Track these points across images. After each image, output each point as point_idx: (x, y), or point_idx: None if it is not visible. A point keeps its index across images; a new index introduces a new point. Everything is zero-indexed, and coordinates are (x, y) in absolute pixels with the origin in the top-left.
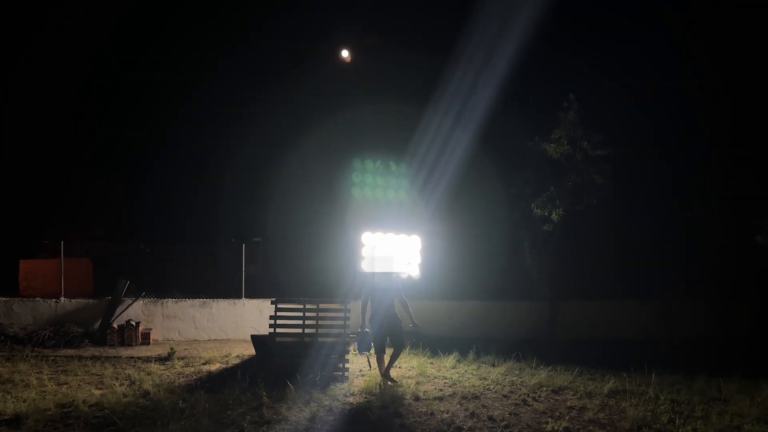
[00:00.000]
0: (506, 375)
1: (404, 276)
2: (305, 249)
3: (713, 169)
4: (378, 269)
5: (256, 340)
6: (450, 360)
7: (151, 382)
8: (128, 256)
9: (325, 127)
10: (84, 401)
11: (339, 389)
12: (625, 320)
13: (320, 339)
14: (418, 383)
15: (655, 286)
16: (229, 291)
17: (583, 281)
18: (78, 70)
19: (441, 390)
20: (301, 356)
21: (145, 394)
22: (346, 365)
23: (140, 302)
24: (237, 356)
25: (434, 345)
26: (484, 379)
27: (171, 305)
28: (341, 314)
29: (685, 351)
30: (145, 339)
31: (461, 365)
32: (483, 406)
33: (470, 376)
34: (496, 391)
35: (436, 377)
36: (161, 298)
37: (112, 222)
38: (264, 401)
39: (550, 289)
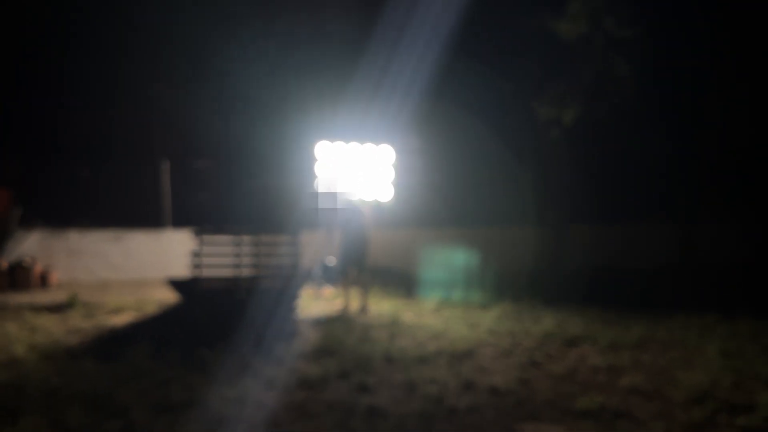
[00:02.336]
0: (502, 320)
1: (367, 208)
2: (259, 170)
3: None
4: (339, 191)
5: (177, 284)
6: (431, 302)
7: (27, 344)
8: (36, 179)
9: (272, 12)
10: None
11: (287, 349)
12: (641, 247)
13: (262, 282)
14: (392, 335)
15: (677, 208)
16: (162, 222)
17: (593, 202)
18: None
19: (422, 345)
20: (236, 305)
21: (12, 362)
22: (298, 315)
23: (37, 235)
24: (156, 303)
25: (410, 283)
26: (476, 327)
27: (76, 238)
28: (290, 249)
29: (714, 283)
30: (45, 281)
31: (445, 308)
32: (480, 369)
33: (457, 323)
34: (493, 345)
35: (414, 326)
36: (63, 229)
37: (20, 139)
38: (177, 372)
39: (555, 212)
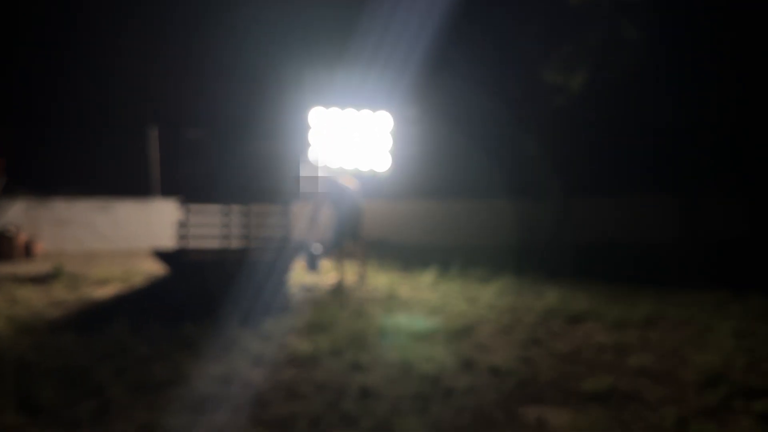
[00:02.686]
0: (502, 295)
1: (362, 177)
2: (251, 138)
3: None
4: (334, 159)
5: (163, 255)
6: (428, 276)
7: (5, 316)
8: (21, 146)
9: None
10: None
11: (277, 324)
12: (646, 221)
13: (252, 253)
14: (387, 310)
15: (682, 181)
16: (151, 191)
17: (597, 174)
18: None
19: (418, 321)
20: (224, 278)
21: None
22: (289, 288)
23: (22, 203)
24: (143, 275)
25: (407, 256)
26: (475, 302)
27: (62, 207)
28: (282, 220)
29: (721, 258)
30: (30, 251)
31: (442, 283)
32: (479, 346)
33: (455, 298)
34: (493, 321)
35: (410, 301)
36: (49, 198)
37: (3, 106)
38: (160, 348)
39: (558, 184)
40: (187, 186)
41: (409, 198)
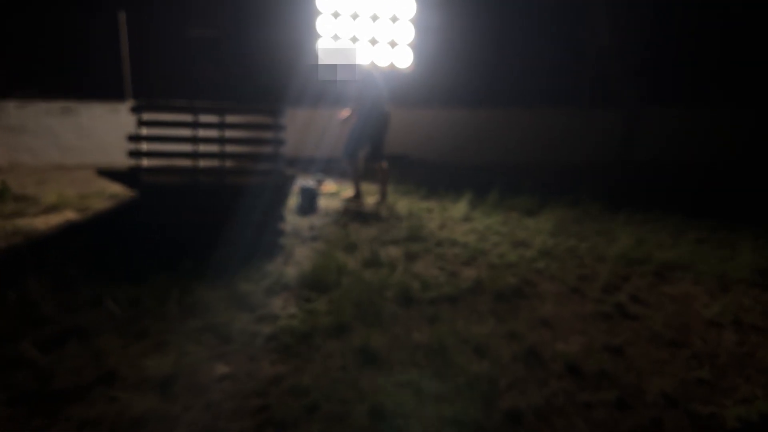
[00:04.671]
0: (559, 236)
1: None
2: (242, 27)
3: None
4: (346, 54)
5: (112, 175)
6: (460, 206)
7: None
8: None
9: None
10: None
11: (260, 279)
12: (728, 135)
13: (231, 178)
14: (409, 256)
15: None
16: (122, 93)
17: (675, 78)
18: None
19: (452, 276)
20: (195, 209)
21: None
22: (281, 225)
23: None
24: (107, 199)
25: (434, 178)
26: (524, 245)
27: (13, 111)
28: (276, 134)
29: None
30: None
31: (478, 214)
32: (542, 321)
33: (497, 237)
34: (553, 277)
35: (440, 242)
36: None
37: None
38: (84, 320)
39: (626, 89)
40: (166, 87)
41: (435, 105)
